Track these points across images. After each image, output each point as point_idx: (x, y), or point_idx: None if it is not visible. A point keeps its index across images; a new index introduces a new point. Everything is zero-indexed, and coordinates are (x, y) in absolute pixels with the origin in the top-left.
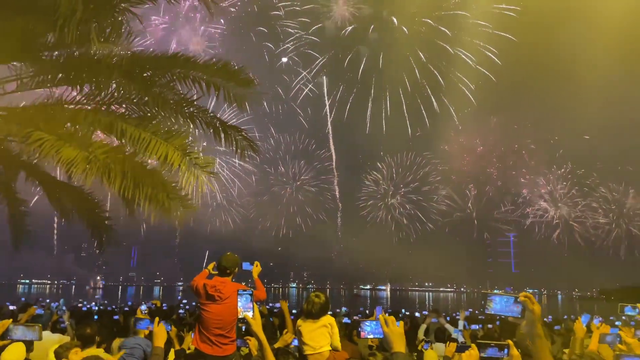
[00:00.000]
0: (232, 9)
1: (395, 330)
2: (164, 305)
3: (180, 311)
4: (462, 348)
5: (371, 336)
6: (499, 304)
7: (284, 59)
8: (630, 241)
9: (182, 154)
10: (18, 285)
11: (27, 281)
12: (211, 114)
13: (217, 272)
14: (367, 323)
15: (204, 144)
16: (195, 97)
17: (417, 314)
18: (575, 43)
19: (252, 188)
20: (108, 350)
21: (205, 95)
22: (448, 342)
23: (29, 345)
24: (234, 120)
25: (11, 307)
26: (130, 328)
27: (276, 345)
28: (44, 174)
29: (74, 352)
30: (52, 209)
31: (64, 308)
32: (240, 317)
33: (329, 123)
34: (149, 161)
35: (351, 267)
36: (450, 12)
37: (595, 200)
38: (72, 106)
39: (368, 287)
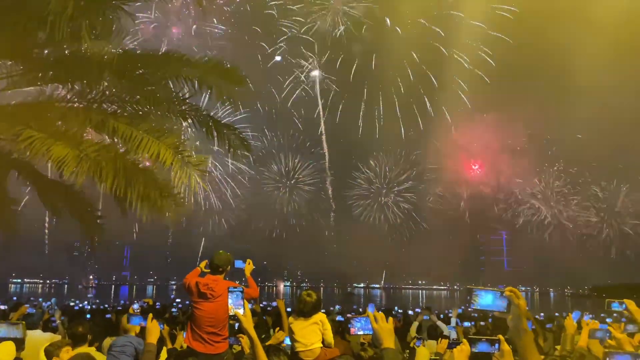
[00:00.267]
0: (226, 8)
1: (385, 327)
2: (157, 304)
3: (173, 310)
4: (453, 345)
5: (361, 332)
6: (485, 299)
7: (278, 58)
8: (621, 239)
9: (174, 152)
10: (10, 285)
11: (19, 280)
12: (204, 112)
13: (209, 270)
14: (356, 319)
15: (197, 143)
16: (187, 96)
17: (410, 312)
18: (568, 43)
19: (245, 187)
20: (100, 349)
21: (197, 93)
22: (440, 339)
23: (20, 344)
24: (228, 119)
25: (2, 307)
26: (121, 326)
27: (267, 343)
28: (35, 173)
29: (64, 351)
30: (44, 208)
31: (55, 307)
32: (231, 314)
33: (322, 122)
34: (142, 160)
35: (345, 266)
36: (444, 11)
37: (587, 198)
38: (63, 104)
39: (362, 285)
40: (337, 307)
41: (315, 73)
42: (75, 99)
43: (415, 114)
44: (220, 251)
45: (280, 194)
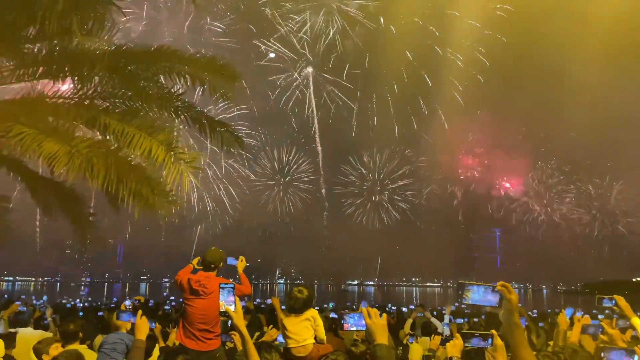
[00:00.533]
0: (221, 6)
1: (378, 323)
2: (150, 301)
3: (166, 307)
4: (446, 341)
5: (354, 328)
6: (477, 294)
7: (271, 55)
8: (613, 237)
9: (167, 149)
10: (1, 283)
11: (11, 278)
12: (197, 109)
13: (201, 267)
14: (349, 315)
15: (190, 141)
16: (180, 92)
17: (404, 309)
18: (562, 42)
19: (238, 185)
20: (91, 346)
21: (190, 89)
22: (433, 336)
23: (11, 341)
24: (222, 116)
25: None
26: (112, 323)
27: (261, 340)
28: (26, 169)
29: (53, 348)
30: (35, 205)
31: (47, 305)
32: (222, 310)
33: (315, 120)
34: (134, 156)
35: (338, 263)
36: (439, 10)
37: (580, 196)
38: (55, 100)
39: (355, 282)
40: (330, 304)
41: (309, 70)
42: (67, 95)
43: (409, 112)
44: (213, 248)
45: (274, 192)
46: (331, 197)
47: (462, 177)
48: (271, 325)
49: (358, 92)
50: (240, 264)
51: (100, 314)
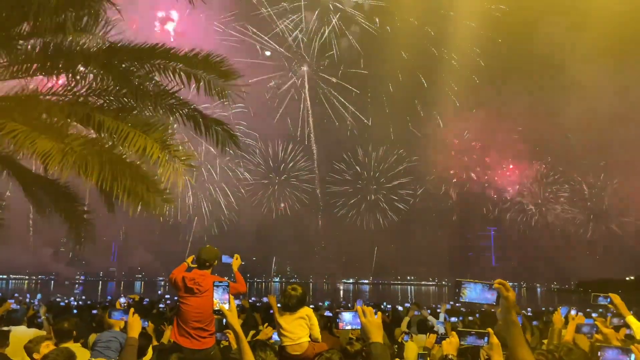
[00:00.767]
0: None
1: (373, 321)
2: (145, 300)
3: (161, 305)
4: (442, 339)
5: (349, 327)
6: (474, 292)
7: (267, 53)
8: (607, 236)
9: (162, 147)
10: None
11: (5, 276)
12: (192, 106)
13: (196, 266)
14: (344, 314)
15: (185, 139)
16: (175, 89)
17: (399, 308)
18: (558, 41)
19: (233, 183)
20: (85, 345)
21: (185, 87)
22: (428, 334)
23: (4, 340)
24: (219, 114)
25: None
26: (105, 322)
27: (256, 338)
28: (19, 166)
29: (44, 346)
30: (28, 203)
31: (39, 303)
32: (216, 309)
33: (310, 119)
34: (128, 154)
35: (334, 262)
36: (434, 10)
37: (574, 195)
38: (48, 97)
39: (351, 281)
40: (326, 302)
41: (304, 69)
42: (61, 92)
43: (404, 112)
44: (207, 246)
45: (269, 191)
46: (326, 196)
47: (456, 177)
48: (266, 324)
49: (353, 92)
50: (235, 262)
51: (94, 312)
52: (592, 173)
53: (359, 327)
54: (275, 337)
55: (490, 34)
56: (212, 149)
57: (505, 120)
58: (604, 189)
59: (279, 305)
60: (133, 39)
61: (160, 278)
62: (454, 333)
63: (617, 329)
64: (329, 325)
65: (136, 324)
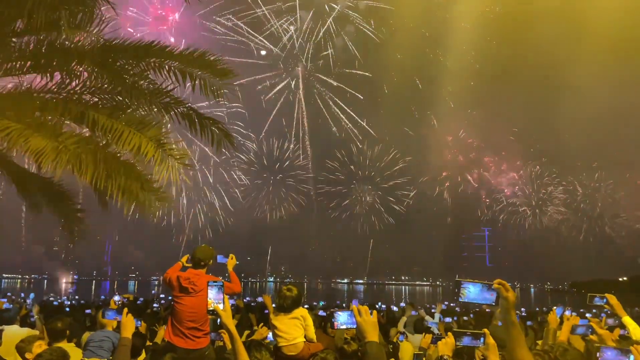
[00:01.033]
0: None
1: (369, 320)
2: (139, 299)
3: (155, 305)
4: (437, 339)
5: (344, 327)
6: (473, 292)
7: (262, 52)
8: (601, 237)
9: (156, 145)
10: None
11: None
12: (187, 105)
13: (190, 265)
14: (340, 313)
15: (180, 138)
16: (170, 88)
17: (394, 308)
18: (554, 42)
19: (228, 183)
20: (79, 344)
21: (180, 85)
22: (424, 334)
23: None
24: (215, 113)
25: None
26: (98, 321)
27: (251, 338)
28: (12, 164)
29: (37, 345)
30: (20, 201)
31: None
32: (210, 309)
33: (305, 120)
34: (122, 152)
35: (328, 262)
36: (431, 12)
37: (568, 196)
38: (42, 95)
39: (345, 281)
40: (321, 302)
41: (299, 69)
42: (55, 90)
43: (399, 113)
44: (202, 245)
45: (264, 191)
46: (321, 196)
47: (451, 178)
48: (262, 324)
49: (347, 93)
50: (230, 261)
51: (88, 311)
52: (585, 174)
53: (354, 327)
54: (270, 337)
55: (485, 36)
56: (207, 150)
57: (500, 121)
58: (597, 190)
59: (274, 305)
60: (128, 37)
61: (154, 277)
62: (450, 334)
63: (611, 329)
64: (322, 324)
65: (130, 324)
